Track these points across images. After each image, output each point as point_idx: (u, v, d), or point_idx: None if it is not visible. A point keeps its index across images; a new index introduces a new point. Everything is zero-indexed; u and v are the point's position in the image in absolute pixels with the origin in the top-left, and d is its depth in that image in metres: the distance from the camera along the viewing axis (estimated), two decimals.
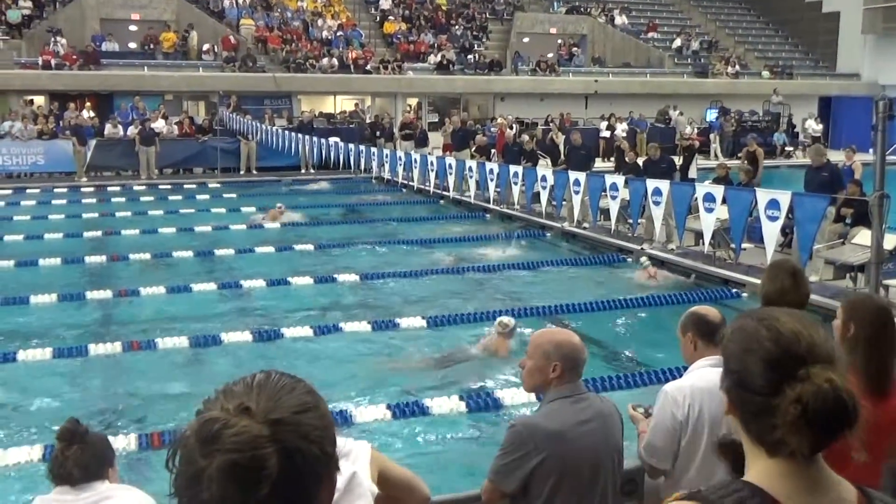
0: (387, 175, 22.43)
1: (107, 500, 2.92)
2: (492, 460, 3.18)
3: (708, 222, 11.95)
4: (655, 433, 3.29)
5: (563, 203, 15.67)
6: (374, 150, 22.57)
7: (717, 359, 2.89)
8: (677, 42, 37.61)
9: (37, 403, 7.31)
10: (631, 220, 14.21)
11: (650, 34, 38.30)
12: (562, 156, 20.41)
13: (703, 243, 12.25)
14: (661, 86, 33.89)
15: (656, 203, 12.88)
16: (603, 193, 14.52)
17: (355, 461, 2.73)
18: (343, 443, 2.77)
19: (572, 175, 15.16)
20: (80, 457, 2.93)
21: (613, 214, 14.15)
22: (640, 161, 16.38)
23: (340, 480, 2.57)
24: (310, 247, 14.20)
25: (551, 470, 3.04)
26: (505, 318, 8.47)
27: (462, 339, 9.04)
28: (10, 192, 21.23)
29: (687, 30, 39.12)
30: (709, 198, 11.90)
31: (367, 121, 28.46)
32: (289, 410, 1.22)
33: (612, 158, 23.46)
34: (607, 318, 9.99)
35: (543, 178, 16.22)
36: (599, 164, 23.12)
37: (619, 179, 14.32)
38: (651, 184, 13.05)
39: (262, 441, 1.17)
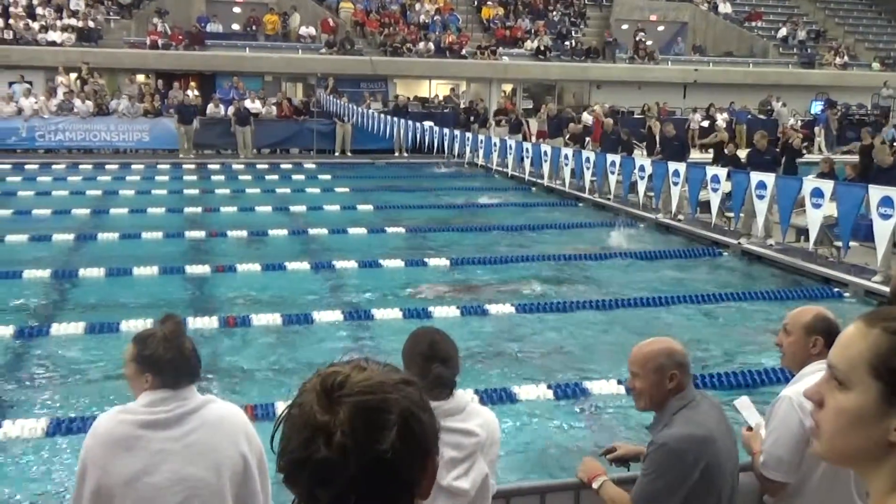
0: (480, 161, 22.36)
1: (208, 404, 2.67)
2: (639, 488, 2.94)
3: (814, 218, 11.45)
4: (779, 445, 3.04)
5: (661, 194, 15.32)
6: (468, 135, 22.55)
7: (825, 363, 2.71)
8: (783, 31, 36.29)
9: None
10: (731, 214, 13.81)
11: (755, 23, 37.07)
12: (657, 146, 19.98)
13: (808, 240, 11.77)
14: (765, 76, 32.78)
15: (760, 197, 12.42)
16: (703, 185, 14.11)
17: (489, 451, 2.69)
18: (480, 419, 2.70)
19: (671, 166, 14.79)
20: (192, 350, 2.67)
21: (714, 207, 13.69)
22: (743, 153, 15.85)
23: (473, 481, 2.55)
24: (401, 230, 14.26)
25: (711, 480, 2.86)
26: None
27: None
28: (116, 167, 22.01)
29: (794, 18, 37.70)
30: (817, 193, 11.37)
31: (462, 106, 28.45)
32: (401, 380, 1.24)
33: (711, 150, 22.80)
34: (704, 312, 9.73)
35: (641, 168, 15.87)
36: (696, 155, 22.50)
37: (721, 171, 13.87)
38: (755, 177, 12.58)
39: (388, 387, 1.19)
